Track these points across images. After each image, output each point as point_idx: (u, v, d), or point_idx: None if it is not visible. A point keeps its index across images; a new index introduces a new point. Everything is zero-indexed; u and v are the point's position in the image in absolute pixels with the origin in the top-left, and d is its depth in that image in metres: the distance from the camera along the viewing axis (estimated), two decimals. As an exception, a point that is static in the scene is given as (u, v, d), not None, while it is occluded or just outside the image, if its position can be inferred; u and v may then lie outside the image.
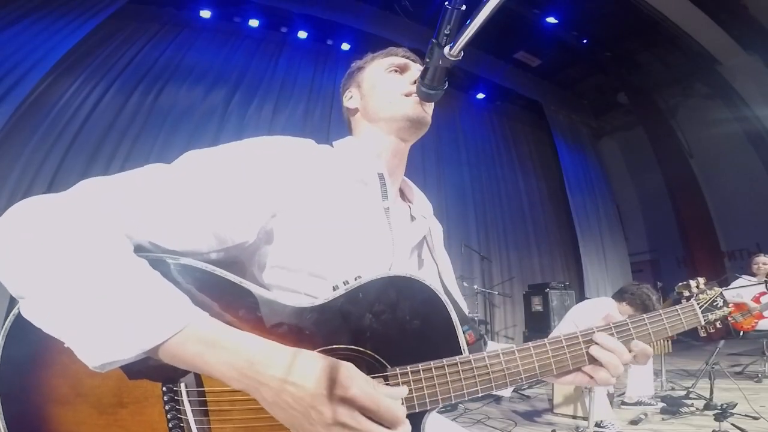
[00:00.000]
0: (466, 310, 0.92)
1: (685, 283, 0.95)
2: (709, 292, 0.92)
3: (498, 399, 3.76)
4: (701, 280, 0.94)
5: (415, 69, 0.92)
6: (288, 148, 0.75)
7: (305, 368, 0.51)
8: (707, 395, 3.09)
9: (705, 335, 0.93)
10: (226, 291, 0.61)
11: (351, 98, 0.96)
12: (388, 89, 0.89)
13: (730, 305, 0.92)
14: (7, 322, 0.58)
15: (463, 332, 0.71)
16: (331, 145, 0.89)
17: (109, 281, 0.50)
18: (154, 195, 0.61)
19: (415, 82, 0.82)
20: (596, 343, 0.74)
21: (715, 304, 0.91)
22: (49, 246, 0.51)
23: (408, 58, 0.94)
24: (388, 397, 0.54)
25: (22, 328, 0.57)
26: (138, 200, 0.60)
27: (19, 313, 0.57)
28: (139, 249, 0.59)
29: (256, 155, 0.71)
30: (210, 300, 0.59)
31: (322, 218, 0.72)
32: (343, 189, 0.78)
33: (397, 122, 0.87)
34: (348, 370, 0.52)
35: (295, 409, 0.51)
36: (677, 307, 0.88)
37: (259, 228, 0.69)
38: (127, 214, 0.58)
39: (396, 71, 0.92)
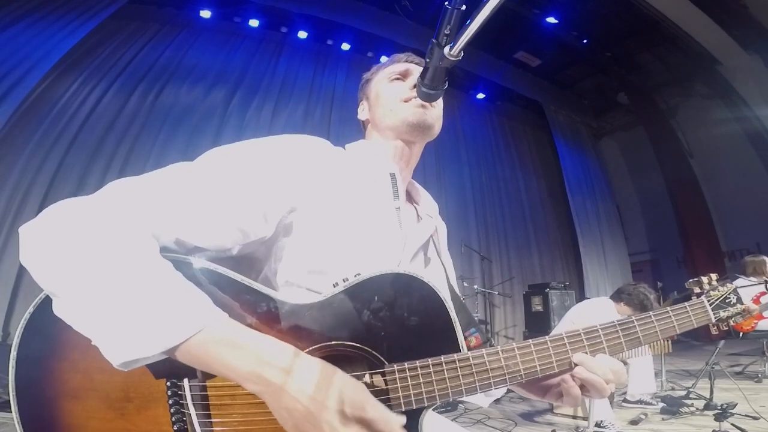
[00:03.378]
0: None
1: (696, 279, 0.90)
2: (721, 288, 0.87)
3: (498, 399, 3.76)
4: (713, 276, 0.90)
5: (417, 72, 0.92)
6: (307, 146, 0.77)
7: (304, 377, 0.52)
8: (707, 395, 3.09)
9: (716, 333, 0.89)
10: (226, 288, 0.62)
11: (363, 110, 1.00)
12: (389, 97, 0.91)
13: (744, 302, 0.87)
14: (23, 320, 0.60)
15: (471, 334, 0.70)
16: (344, 148, 0.91)
17: (132, 282, 0.52)
18: (179, 193, 0.63)
19: (415, 86, 0.83)
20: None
21: (727, 301, 0.86)
22: (79, 248, 0.53)
23: (411, 62, 0.95)
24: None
25: (37, 324, 0.60)
26: (164, 199, 0.62)
27: (35, 310, 0.60)
28: (164, 250, 0.61)
29: (277, 151, 0.73)
30: (211, 298, 0.60)
31: (336, 216, 0.74)
32: (356, 188, 0.80)
33: (399, 128, 0.89)
34: (358, 386, 0.54)
35: (300, 418, 0.52)
36: (686, 303, 0.83)
37: (278, 222, 0.71)
38: (153, 213, 0.60)
39: (398, 78, 0.93)
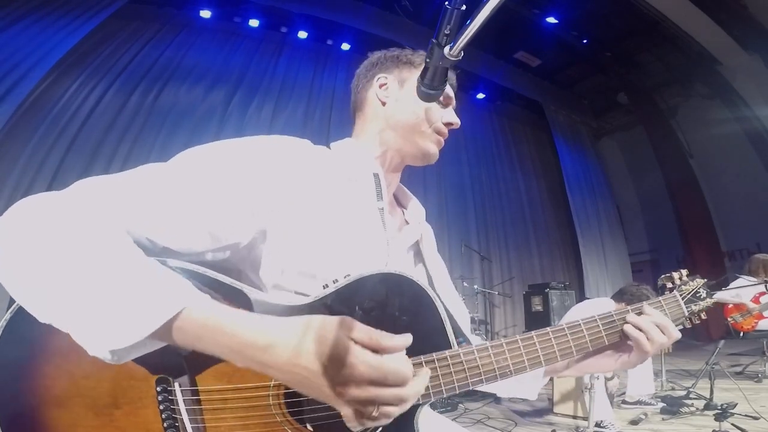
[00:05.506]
0: (466, 321, 0.91)
1: (668, 275, 0.96)
2: (691, 283, 0.93)
3: (498, 399, 3.76)
4: (684, 271, 0.96)
5: (454, 105, 0.94)
6: (283, 147, 0.75)
7: (310, 351, 0.50)
8: (707, 395, 3.09)
9: (690, 326, 0.94)
10: (216, 291, 0.60)
11: (386, 87, 0.90)
12: (427, 115, 0.87)
13: (713, 296, 0.93)
14: (0, 325, 0.57)
15: (459, 344, 0.71)
16: (329, 147, 0.88)
17: (108, 271, 0.50)
18: (150, 192, 0.61)
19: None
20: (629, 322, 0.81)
21: (698, 295, 0.92)
22: (52, 243, 0.51)
23: (454, 89, 0.93)
24: (393, 357, 0.52)
25: (16, 329, 0.57)
26: (135, 197, 0.60)
27: (12, 316, 0.57)
28: (137, 246, 0.58)
29: (251, 153, 0.70)
30: None
31: (316, 217, 0.72)
32: (337, 188, 0.78)
33: (412, 150, 0.88)
34: (349, 346, 0.50)
35: (312, 387, 0.51)
36: (660, 298, 0.89)
37: (253, 227, 0.68)
38: (124, 210, 0.58)
39: (440, 101, 0.90)
